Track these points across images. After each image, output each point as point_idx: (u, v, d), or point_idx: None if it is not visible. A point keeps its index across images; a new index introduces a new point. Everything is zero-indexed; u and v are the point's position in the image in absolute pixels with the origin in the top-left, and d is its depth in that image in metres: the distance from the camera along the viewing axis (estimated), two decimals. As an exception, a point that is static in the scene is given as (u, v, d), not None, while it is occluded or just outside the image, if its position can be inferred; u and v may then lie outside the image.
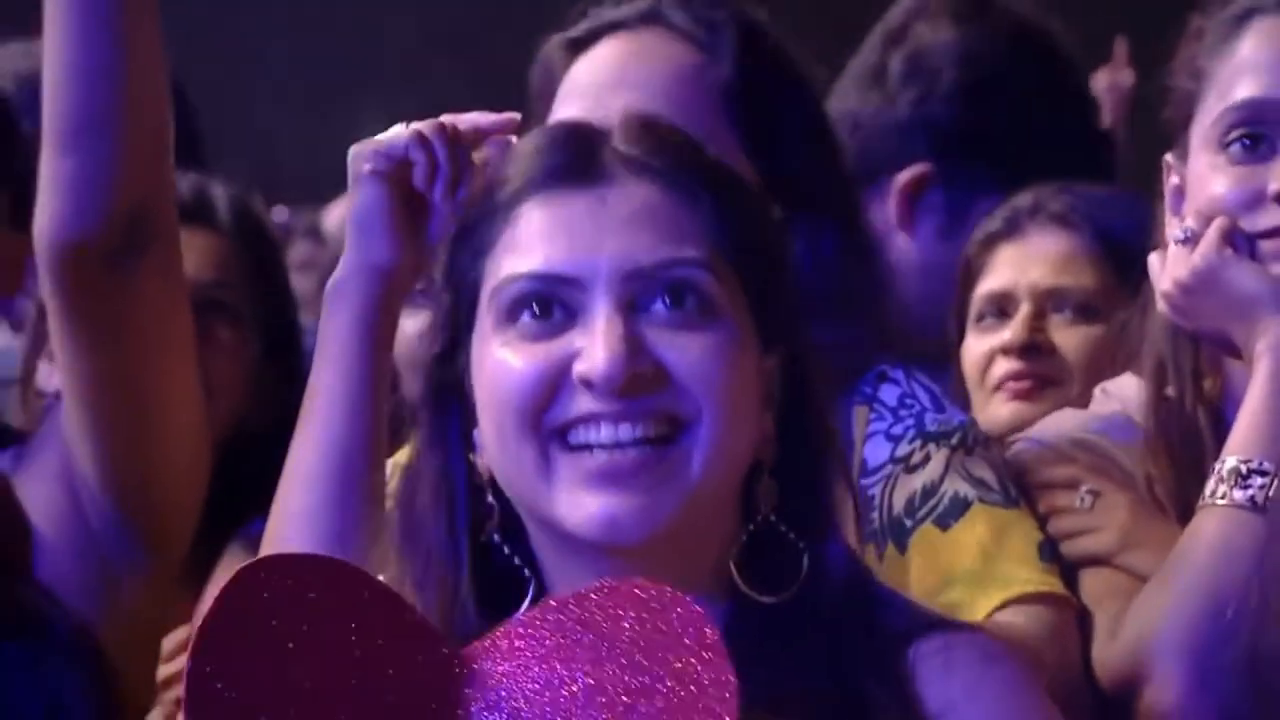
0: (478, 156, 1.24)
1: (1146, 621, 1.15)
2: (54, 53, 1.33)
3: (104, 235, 1.32)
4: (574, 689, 0.74)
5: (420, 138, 1.21)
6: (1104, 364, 1.68)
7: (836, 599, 0.90)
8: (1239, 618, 1.09)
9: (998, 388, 1.91)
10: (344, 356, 1.21)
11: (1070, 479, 1.29)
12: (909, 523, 1.24)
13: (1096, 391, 1.47)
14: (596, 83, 1.31)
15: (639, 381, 0.86)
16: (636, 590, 0.75)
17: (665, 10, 1.33)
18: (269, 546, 1.21)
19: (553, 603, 0.79)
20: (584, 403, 0.86)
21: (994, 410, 1.90)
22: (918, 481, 1.26)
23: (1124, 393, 1.39)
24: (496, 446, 0.90)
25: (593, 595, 0.76)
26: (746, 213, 0.98)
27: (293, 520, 1.18)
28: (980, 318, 1.95)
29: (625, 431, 0.86)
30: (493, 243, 0.93)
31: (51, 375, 1.54)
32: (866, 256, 1.36)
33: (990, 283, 1.96)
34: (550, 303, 0.89)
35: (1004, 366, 1.90)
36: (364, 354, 1.20)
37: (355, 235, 1.24)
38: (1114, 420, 1.35)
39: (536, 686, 0.75)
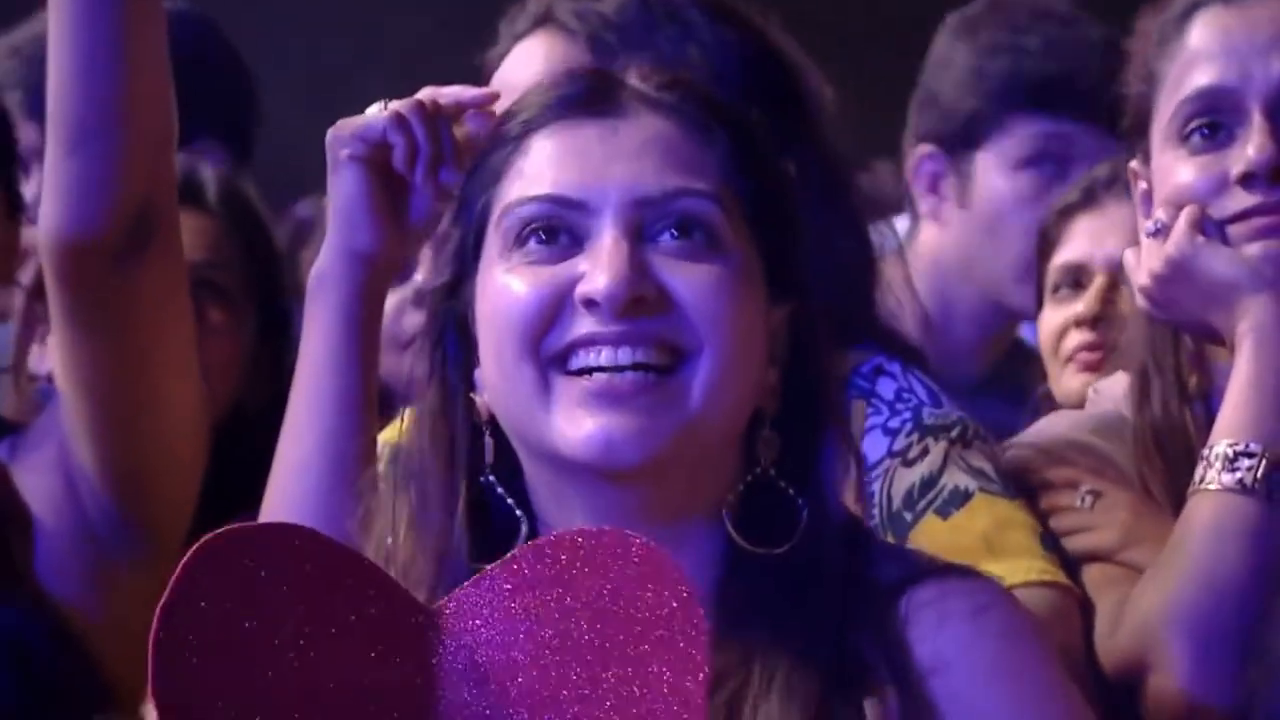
0: (459, 132, 1.23)
1: (1147, 608, 1.16)
2: (57, 53, 1.33)
3: (109, 233, 1.32)
4: (544, 639, 0.74)
5: (398, 119, 1.19)
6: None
7: (832, 554, 0.90)
8: (1237, 599, 1.11)
9: (1070, 359, 1.90)
10: (329, 346, 1.20)
11: (1070, 480, 1.30)
12: (909, 516, 1.22)
13: (1089, 391, 1.49)
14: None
15: (641, 305, 0.86)
16: (607, 539, 0.75)
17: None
18: None
19: (521, 553, 0.78)
20: (585, 324, 0.86)
21: (1067, 381, 1.89)
22: (916, 474, 1.24)
23: (1115, 391, 1.40)
24: (496, 373, 0.90)
25: (564, 544, 0.76)
26: (759, 156, 0.98)
27: (284, 511, 1.17)
28: (1056, 289, 1.95)
29: (625, 355, 0.86)
30: (503, 172, 0.93)
31: (43, 359, 1.55)
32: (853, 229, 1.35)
33: (1066, 254, 1.95)
34: (557, 228, 0.89)
35: (1077, 338, 1.90)
36: (350, 342, 1.20)
37: (337, 222, 1.22)
38: (1108, 419, 1.36)
39: (505, 640, 0.75)
